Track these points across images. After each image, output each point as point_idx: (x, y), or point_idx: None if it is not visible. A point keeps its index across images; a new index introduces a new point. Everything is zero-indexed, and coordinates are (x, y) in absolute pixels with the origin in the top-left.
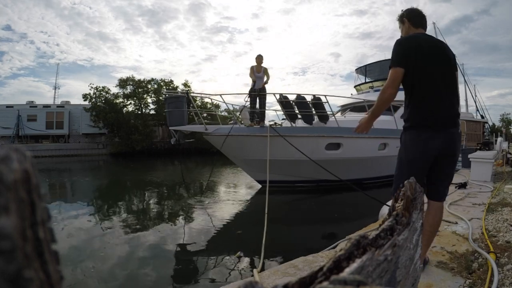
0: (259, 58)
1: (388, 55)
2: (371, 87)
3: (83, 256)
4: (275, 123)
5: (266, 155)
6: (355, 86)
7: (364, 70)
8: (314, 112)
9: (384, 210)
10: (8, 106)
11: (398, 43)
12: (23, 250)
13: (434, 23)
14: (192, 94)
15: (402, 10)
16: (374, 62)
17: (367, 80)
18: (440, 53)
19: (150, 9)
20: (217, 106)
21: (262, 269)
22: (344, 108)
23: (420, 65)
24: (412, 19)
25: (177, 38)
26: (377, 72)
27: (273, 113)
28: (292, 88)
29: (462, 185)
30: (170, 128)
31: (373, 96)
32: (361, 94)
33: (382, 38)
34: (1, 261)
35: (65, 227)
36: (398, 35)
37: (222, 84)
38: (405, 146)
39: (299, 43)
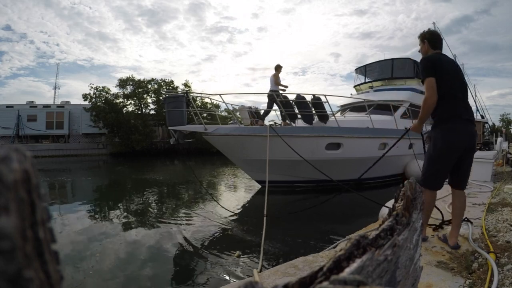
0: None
1: (388, 55)
2: (371, 87)
3: (83, 256)
4: (275, 123)
5: (265, 155)
6: (354, 86)
7: (363, 70)
8: (314, 112)
9: (384, 210)
10: (8, 106)
11: (426, 60)
12: (23, 250)
13: (434, 23)
14: (192, 94)
15: (424, 31)
16: (374, 62)
17: (366, 80)
18: (455, 69)
19: (150, 9)
20: (217, 106)
21: (262, 269)
22: (344, 108)
23: (444, 77)
24: (432, 42)
25: (177, 38)
26: (376, 72)
27: (273, 113)
28: (292, 88)
29: None
30: (169, 128)
31: (373, 96)
32: (360, 94)
33: (382, 38)
34: (1, 261)
35: (65, 227)
36: (398, 35)
37: (222, 84)
38: (435, 139)
39: (299, 43)
